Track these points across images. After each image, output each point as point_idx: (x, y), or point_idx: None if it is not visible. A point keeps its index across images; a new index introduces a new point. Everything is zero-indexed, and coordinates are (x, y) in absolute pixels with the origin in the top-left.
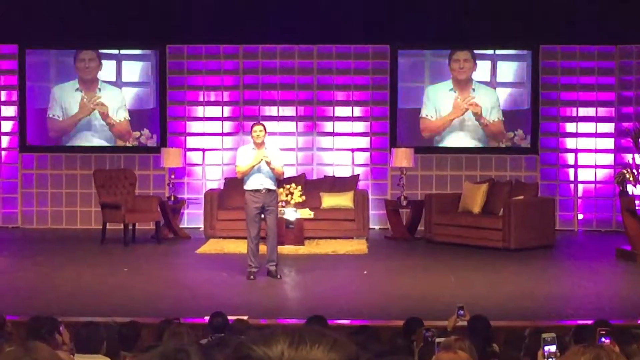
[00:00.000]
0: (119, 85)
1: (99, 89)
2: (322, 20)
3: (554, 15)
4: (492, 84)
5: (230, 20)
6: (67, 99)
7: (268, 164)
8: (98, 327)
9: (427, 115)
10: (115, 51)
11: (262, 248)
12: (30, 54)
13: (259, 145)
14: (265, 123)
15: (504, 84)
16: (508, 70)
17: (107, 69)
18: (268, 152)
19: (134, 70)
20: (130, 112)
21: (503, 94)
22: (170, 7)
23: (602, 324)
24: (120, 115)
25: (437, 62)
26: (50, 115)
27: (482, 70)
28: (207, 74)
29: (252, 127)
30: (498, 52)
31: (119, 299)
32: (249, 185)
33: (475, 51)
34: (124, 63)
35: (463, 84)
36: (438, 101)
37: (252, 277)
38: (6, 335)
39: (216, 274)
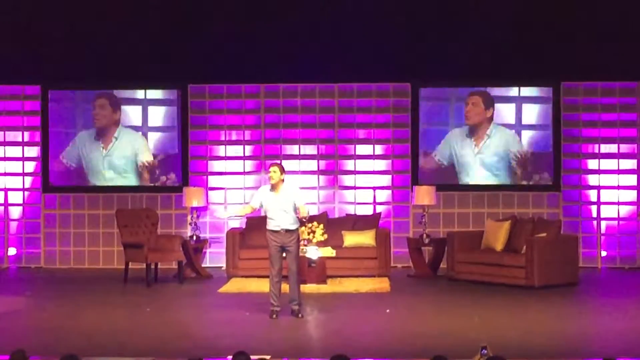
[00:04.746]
0: (144, 130)
1: (115, 138)
2: (342, 59)
3: (575, 52)
4: (516, 126)
5: (252, 60)
6: (86, 146)
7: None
8: None
9: (437, 158)
10: (141, 96)
11: (285, 287)
12: (55, 97)
13: (275, 186)
14: (286, 162)
15: (528, 127)
16: (532, 112)
17: (133, 114)
18: (286, 192)
19: (158, 114)
20: (155, 156)
21: (527, 137)
22: (191, 47)
23: None
24: (145, 158)
25: (461, 105)
26: (63, 161)
27: (506, 112)
28: (228, 113)
29: (269, 167)
30: (522, 94)
31: (141, 338)
32: (269, 225)
33: (500, 93)
34: (150, 108)
35: (477, 127)
36: (457, 147)
37: (274, 316)
38: None
39: (239, 313)
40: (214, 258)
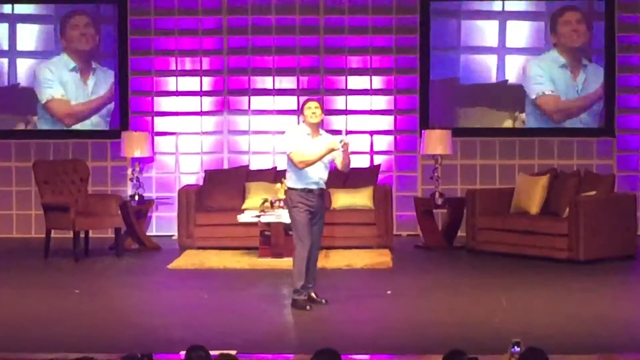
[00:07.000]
0: (10, 55)
1: (93, 69)
2: None
3: None
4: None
5: None
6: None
7: (346, 155)
8: None
9: (548, 92)
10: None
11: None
12: None
13: (315, 127)
14: (257, 98)
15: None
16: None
17: None
18: (324, 138)
19: (30, 36)
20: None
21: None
22: None
23: None
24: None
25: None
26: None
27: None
28: (180, 35)
29: (306, 102)
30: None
31: (69, 328)
32: (301, 182)
33: (477, 7)
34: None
35: (574, 53)
36: (555, 80)
37: (308, 307)
38: None
39: (195, 296)
40: (163, 224)
